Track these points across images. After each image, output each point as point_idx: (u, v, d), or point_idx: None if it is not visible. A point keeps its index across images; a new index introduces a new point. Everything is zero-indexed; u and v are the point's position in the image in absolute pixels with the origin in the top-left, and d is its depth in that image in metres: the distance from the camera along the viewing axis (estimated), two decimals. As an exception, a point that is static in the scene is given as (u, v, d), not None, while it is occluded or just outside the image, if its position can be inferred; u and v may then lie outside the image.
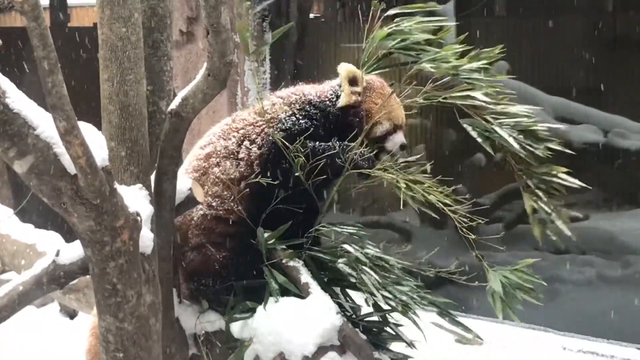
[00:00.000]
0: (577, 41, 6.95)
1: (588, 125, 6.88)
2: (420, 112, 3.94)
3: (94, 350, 3.89)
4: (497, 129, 3.75)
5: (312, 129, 3.98)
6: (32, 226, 5.37)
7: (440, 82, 3.85)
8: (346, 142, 3.94)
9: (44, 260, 3.58)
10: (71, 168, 2.89)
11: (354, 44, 7.78)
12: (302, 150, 3.84)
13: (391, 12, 4.00)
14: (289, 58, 7.71)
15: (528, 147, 3.74)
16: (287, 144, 3.88)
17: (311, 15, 8.57)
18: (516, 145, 3.71)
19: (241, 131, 4.07)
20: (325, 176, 3.87)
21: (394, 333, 3.81)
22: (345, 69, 4.07)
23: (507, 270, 3.70)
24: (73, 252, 3.46)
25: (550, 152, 3.84)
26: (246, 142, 4.02)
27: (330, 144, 3.92)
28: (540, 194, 3.78)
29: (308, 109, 4.06)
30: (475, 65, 3.84)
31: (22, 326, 6.54)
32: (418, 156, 3.99)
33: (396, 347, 3.79)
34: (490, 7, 7.63)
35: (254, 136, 4.03)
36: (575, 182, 3.78)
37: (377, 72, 4.07)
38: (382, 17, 3.93)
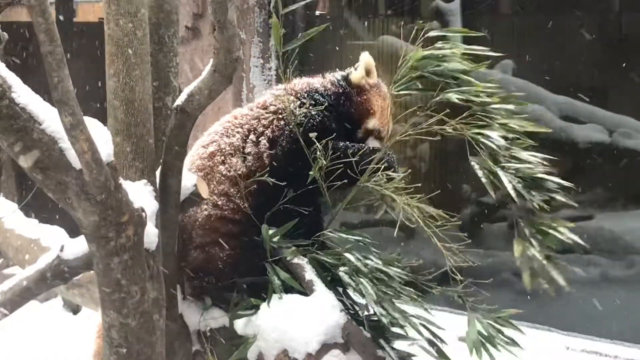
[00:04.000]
0: (583, 40, 6.94)
1: (593, 125, 6.87)
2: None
3: (102, 353, 3.88)
4: (500, 173, 3.70)
5: (325, 120, 4.01)
6: (37, 221, 5.37)
7: (465, 114, 3.84)
8: (370, 146, 4.00)
9: (48, 255, 3.58)
10: (76, 163, 2.89)
11: (360, 41, 7.78)
12: (323, 150, 3.85)
13: (431, 34, 3.99)
14: (295, 55, 7.72)
15: (526, 196, 3.67)
16: (303, 141, 3.89)
17: (317, 12, 8.56)
18: (513, 193, 3.66)
19: (245, 126, 4.06)
20: (344, 179, 3.89)
21: (397, 331, 3.81)
22: (367, 58, 4.23)
23: (490, 318, 3.68)
24: (77, 247, 3.46)
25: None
26: (252, 136, 4.02)
27: (353, 145, 3.95)
28: (535, 242, 3.71)
29: (316, 97, 4.10)
30: (503, 106, 3.82)
31: (25, 321, 6.55)
32: (404, 172, 4.01)
33: (399, 345, 3.78)
34: (496, 6, 7.61)
35: (261, 129, 4.03)
36: (576, 240, 3.69)
37: (406, 92, 4.07)
38: (422, 38, 3.94)
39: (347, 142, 4.01)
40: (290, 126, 3.99)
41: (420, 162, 7.52)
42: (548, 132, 3.87)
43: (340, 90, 4.19)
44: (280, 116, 4.04)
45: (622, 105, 6.87)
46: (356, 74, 4.22)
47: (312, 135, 3.88)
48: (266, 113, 4.07)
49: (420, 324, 3.71)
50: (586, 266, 6.77)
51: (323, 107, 4.06)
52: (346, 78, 4.26)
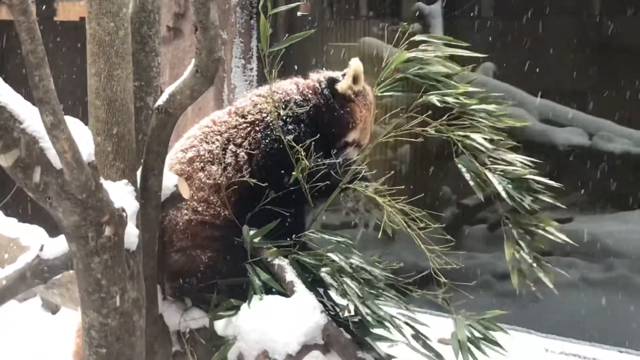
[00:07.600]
0: (563, 44, 6.96)
1: (573, 128, 6.90)
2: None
3: (81, 353, 3.86)
4: (489, 174, 3.71)
5: (300, 136, 3.97)
6: (16, 220, 5.35)
7: (448, 114, 3.84)
8: (345, 157, 3.98)
9: (27, 255, 3.56)
10: (57, 162, 2.88)
11: (341, 42, 7.78)
12: (302, 162, 3.84)
13: (417, 37, 3.99)
14: (279, 56, 7.72)
15: (517, 197, 3.70)
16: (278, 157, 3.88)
17: (299, 14, 8.56)
18: (504, 194, 3.68)
19: (225, 135, 4.03)
20: (322, 188, 3.89)
21: (379, 332, 3.81)
22: (356, 64, 4.11)
23: (474, 320, 3.69)
24: (57, 247, 3.45)
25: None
26: (231, 147, 3.99)
27: (324, 163, 3.93)
28: (523, 244, 3.74)
29: (294, 109, 4.03)
30: (483, 107, 3.83)
31: (3, 321, 6.51)
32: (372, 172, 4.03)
33: (381, 346, 3.79)
34: (477, 8, 7.63)
35: (240, 140, 4.00)
36: (562, 238, 3.73)
37: (389, 94, 4.06)
38: (407, 41, 3.94)
39: (320, 160, 3.96)
40: (267, 141, 3.98)
41: (401, 164, 7.53)
42: (527, 124, 3.90)
43: (322, 101, 4.09)
44: (257, 128, 4.01)
45: (602, 109, 6.90)
46: (343, 84, 4.10)
47: (289, 140, 3.88)
48: (244, 123, 4.04)
49: (405, 322, 3.72)
50: (565, 269, 6.80)
51: (299, 120, 4.03)
52: (331, 85, 4.13)
